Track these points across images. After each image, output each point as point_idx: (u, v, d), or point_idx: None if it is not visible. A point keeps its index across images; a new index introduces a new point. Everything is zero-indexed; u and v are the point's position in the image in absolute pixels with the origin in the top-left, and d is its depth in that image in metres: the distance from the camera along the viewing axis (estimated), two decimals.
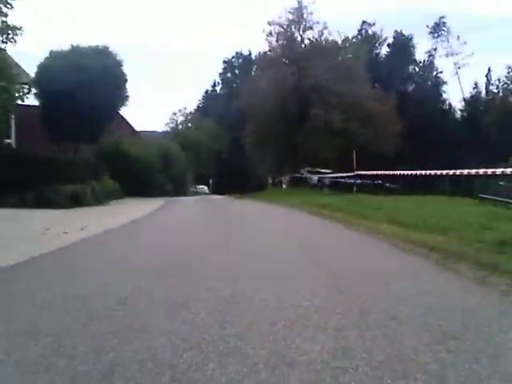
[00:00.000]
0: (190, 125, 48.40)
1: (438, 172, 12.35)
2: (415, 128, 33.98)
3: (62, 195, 13.31)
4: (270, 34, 30.09)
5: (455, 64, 42.45)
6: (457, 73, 42.87)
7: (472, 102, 42.87)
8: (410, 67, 44.65)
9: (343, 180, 26.64)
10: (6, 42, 13.63)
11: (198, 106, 59.07)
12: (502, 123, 34.89)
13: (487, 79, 43.59)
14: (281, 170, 31.49)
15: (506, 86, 41.51)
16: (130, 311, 2.98)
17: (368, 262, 5.01)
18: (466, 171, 11.46)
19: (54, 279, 4.13)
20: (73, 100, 15.20)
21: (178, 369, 2.00)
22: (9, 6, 13.37)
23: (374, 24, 43.89)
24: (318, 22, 29.78)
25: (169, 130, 47.58)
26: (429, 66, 44.82)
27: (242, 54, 65.29)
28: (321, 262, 4.98)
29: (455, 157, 31.53)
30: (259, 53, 33.76)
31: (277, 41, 30.47)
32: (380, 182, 23.51)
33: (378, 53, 43.93)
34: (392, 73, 39.79)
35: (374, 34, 44.04)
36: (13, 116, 15.91)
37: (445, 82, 44.01)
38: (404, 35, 44.13)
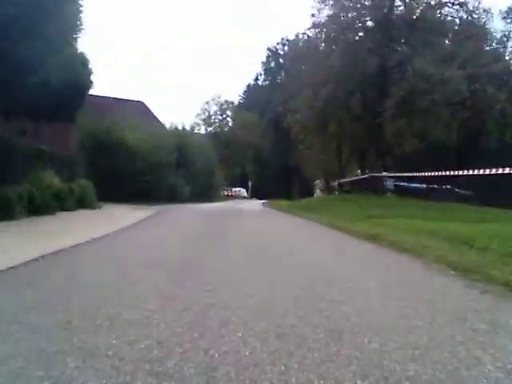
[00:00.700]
0: (225, 116, 41.57)
1: None
2: None
3: None
4: None
5: None
6: None
7: None
8: None
9: (418, 185, 19.32)
10: None
11: (239, 102, 53.38)
12: None
13: None
14: (344, 170, 23.76)
15: None
16: None
17: None
18: None
19: None
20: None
21: None
22: None
23: None
24: None
25: (200, 122, 41.36)
26: None
27: (288, 41, 59.03)
28: None
29: None
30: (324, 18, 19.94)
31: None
32: (448, 186, 18.20)
33: None
34: None
35: None
36: None
37: None
38: None
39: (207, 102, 43.06)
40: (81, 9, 9.86)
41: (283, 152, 39.79)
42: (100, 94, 19.63)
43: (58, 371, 1.57)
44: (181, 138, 20.69)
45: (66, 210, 10.37)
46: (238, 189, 38.32)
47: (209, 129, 38.74)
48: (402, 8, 18.06)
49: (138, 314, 2.29)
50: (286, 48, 57.01)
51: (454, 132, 15.87)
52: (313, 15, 18.77)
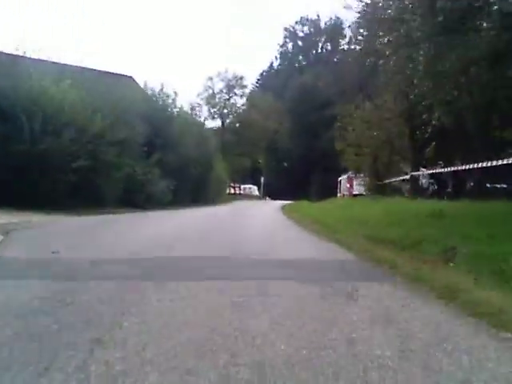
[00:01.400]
0: (232, 95, 32.88)
1: None
2: None
3: None
4: None
5: None
6: None
7: None
8: None
9: None
10: None
11: (256, 87, 46.13)
12: None
13: None
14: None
15: None
16: None
17: None
18: None
19: None
20: None
21: None
22: None
23: None
24: None
25: (203, 104, 33.30)
26: None
27: (308, 20, 51.75)
28: None
29: None
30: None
31: None
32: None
33: None
34: None
35: None
36: None
37: None
38: None
39: (211, 78, 34.78)
40: None
41: (303, 141, 32.66)
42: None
43: None
44: (160, 108, 13.50)
45: None
46: (247, 186, 30.98)
47: (212, 110, 31.06)
48: None
49: None
50: (306, 28, 49.64)
51: None
52: None
